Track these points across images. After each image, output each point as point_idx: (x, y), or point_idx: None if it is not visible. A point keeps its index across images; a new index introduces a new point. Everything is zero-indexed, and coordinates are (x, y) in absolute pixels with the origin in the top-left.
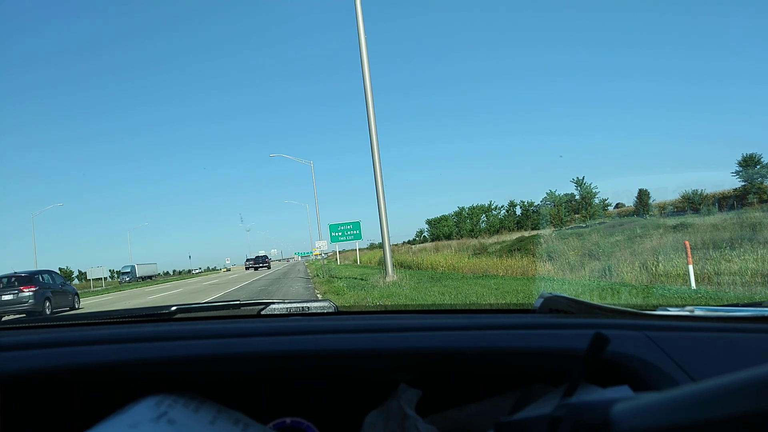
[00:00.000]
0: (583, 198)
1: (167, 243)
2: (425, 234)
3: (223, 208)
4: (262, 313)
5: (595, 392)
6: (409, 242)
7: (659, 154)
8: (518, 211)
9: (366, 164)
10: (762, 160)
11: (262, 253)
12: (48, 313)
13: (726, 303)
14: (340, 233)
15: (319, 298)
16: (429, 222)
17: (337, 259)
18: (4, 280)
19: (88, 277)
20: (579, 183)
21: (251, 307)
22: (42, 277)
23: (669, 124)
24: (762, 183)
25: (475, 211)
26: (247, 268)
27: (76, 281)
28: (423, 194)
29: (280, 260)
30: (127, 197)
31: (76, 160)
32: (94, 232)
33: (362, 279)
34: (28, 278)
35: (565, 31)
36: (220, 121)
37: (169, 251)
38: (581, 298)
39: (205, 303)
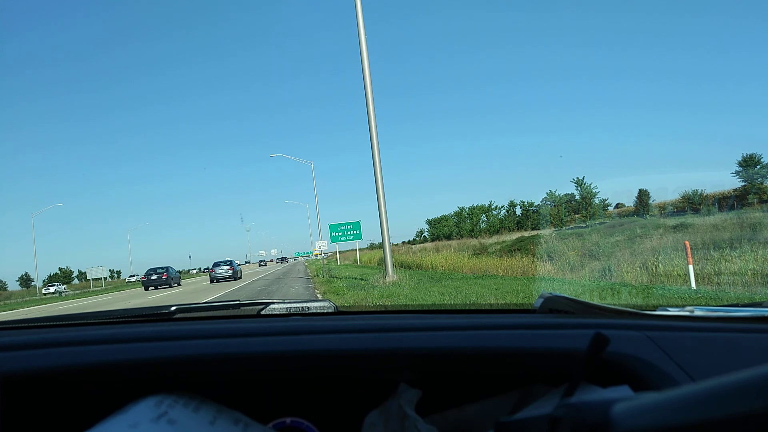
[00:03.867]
0: (583, 198)
1: (167, 243)
2: (425, 234)
3: (223, 208)
4: (262, 313)
5: (595, 392)
6: (409, 242)
7: (659, 154)
8: (518, 211)
9: (366, 164)
10: (762, 160)
11: (283, 255)
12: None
13: (726, 303)
14: (340, 233)
15: (319, 298)
16: (429, 222)
17: (337, 259)
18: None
19: (87, 277)
20: (579, 183)
21: (251, 307)
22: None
23: (669, 124)
24: (762, 183)
25: (475, 211)
26: (277, 263)
27: (75, 281)
28: (423, 194)
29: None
30: (127, 197)
31: (76, 160)
32: (94, 232)
33: (362, 279)
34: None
35: (565, 31)
36: (220, 121)
37: (169, 251)
38: (581, 298)
39: (205, 303)
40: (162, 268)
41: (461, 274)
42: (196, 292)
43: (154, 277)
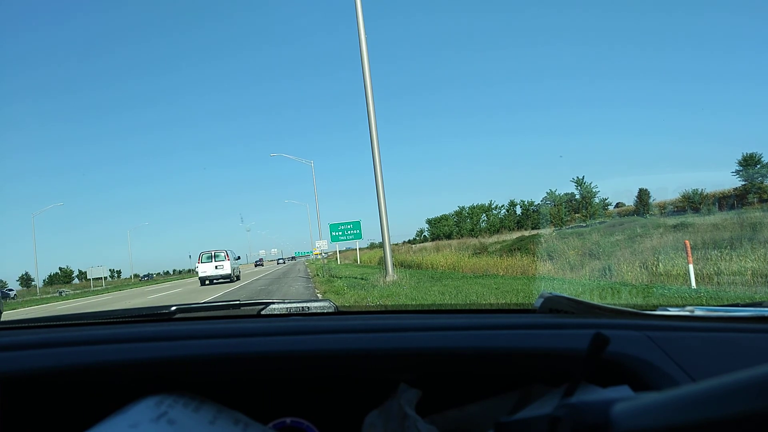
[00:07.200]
0: (583, 197)
1: (167, 243)
2: (425, 233)
3: (223, 208)
4: (262, 313)
5: (595, 392)
6: (409, 242)
7: (659, 154)
8: (518, 210)
9: (366, 163)
10: (762, 159)
11: (285, 255)
12: None
13: (726, 303)
14: (340, 233)
15: (319, 298)
16: (429, 221)
17: (337, 259)
18: None
19: (88, 277)
20: (579, 182)
21: (251, 307)
22: None
23: (669, 124)
24: (762, 182)
25: (476, 211)
26: (291, 259)
27: (76, 281)
28: (423, 194)
29: (278, 260)
30: (127, 197)
31: (76, 160)
32: (94, 232)
33: (362, 278)
34: None
35: (565, 31)
36: (220, 121)
37: (170, 251)
38: (581, 298)
39: (205, 303)
40: (259, 259)
41: (461, 273)
42: (196, 291)
43: (258, 261)
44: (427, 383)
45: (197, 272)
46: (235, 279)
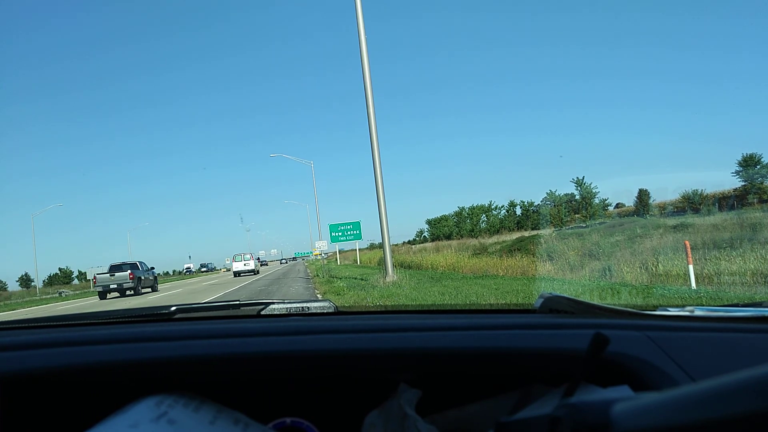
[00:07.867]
0: (583, 198)
1: (167, 243)
2: (425, 234)
3: (223, 208)
4: (262, 313)
5: (595, 392)
6: (409, 242)
7: (659, 154)
8: (518, 211)
9: (366, 164)
10: (762, 160)
11: (288, 254)
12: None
13: (726, 303)
14: (340, 233)
15: (319, 298)
16: (429, 222)
17: (337, 259)
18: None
19: (88, 277)
20: (579, 183)
21: (251, 307)
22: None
23: (669, 124)
24: (762, 183)
25: (476, 211)
26: (292, 260)
27: (75, 281)
28: (423, 194)
29: (281, 260)
30: (127, 197)
31: (76, 160)
32: (94, 232)
33: (362, 279)
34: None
35: (565, 31)
36: (220, 121)
37: (169, 251)
38: (581, 298)
39: (205, 303)
40: (258, 258)
41: (461, 274)
42: (195, 292)
43: (263, 261)
44: (427, 383)
45: (231, 268)
46: (257, 272)
